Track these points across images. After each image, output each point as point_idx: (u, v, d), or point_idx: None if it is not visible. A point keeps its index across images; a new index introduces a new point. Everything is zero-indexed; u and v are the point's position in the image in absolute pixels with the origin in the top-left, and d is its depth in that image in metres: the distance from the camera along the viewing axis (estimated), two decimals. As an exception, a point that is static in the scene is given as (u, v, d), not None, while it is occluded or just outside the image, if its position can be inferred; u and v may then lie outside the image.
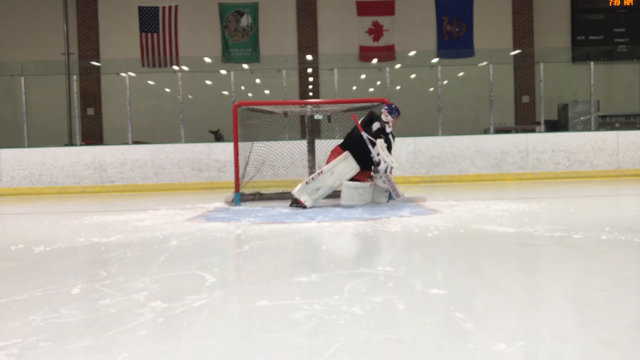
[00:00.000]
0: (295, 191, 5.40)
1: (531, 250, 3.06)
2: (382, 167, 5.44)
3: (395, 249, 3.31)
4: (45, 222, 5.29)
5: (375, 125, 5.64)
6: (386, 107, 5.75)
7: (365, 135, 5.49)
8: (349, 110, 6.73)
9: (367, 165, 5.62)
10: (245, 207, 5.74)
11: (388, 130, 5.70)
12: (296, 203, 5.45)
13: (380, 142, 5.47)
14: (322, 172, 5.45)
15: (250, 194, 6.23)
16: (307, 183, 5.41)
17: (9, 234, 4.67)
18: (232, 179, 6.70)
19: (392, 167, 5.47)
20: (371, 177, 5.72)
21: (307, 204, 5.36)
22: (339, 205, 5.46)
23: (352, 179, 5.59)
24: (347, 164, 5.47)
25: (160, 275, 2.50)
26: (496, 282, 2.29)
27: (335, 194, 5.79)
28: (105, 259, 3.00)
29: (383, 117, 5.68)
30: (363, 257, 2.92)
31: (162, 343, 1.61)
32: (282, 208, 5.42)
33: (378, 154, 5.43)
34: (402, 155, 9.35)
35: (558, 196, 6.43)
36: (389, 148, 5.74)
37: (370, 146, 5.45)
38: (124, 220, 4.74)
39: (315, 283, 2.27)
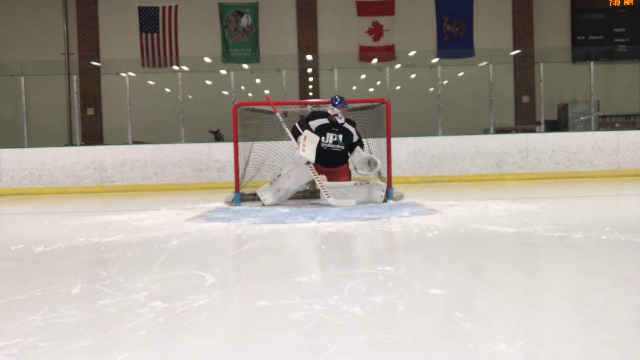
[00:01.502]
0: (259, 189, 5.71)
1: (531, 250, 3.06)
2: (296, 155, 5.48)
3: (395, 249, 3.31)
4: (45, 222, 5.29)
5: (317, 123, 5.82)
6: (330, 101, 5.85)
7: (290, 130, 5.74)
8: (349, 110, 6.73)
9: (334, 164, 5.71)
10: (245, 207, 5.74)
11: (340, 121, 5.82)
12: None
13: (307, 134, 5.58)
14: (280, 174, 5.63)
15: (250, 194, 6.23)
16: (270, 183, 5.66)
17: (9, 234, 4.67)
18: (232, 179, 6.70)
19: (308, 162, 5.44)
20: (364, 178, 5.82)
21: (266, 202, 5.63)
22: (339, 205, 5.47)
23: (333, 180, 5.81)
24: (302, 169, 5.53)
25: (160, 275, 2.50)
26: (496, 282, 2.29)
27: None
28: (105, 259, 3.00)
29: (330, 112, 5.81)
30: (363, 257, 2.92)
31: (162, 343, 1.61)
32: (282, 208, 5.42)
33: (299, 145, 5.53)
34: (402, 155, 9.35)
35: (558, 196, 6.43)
36: (349, 138, 5.86)
37: (293, 139, 5.66)
38: (124, 220, 4.74)
39: (315, 283, 2.27)
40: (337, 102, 5.78)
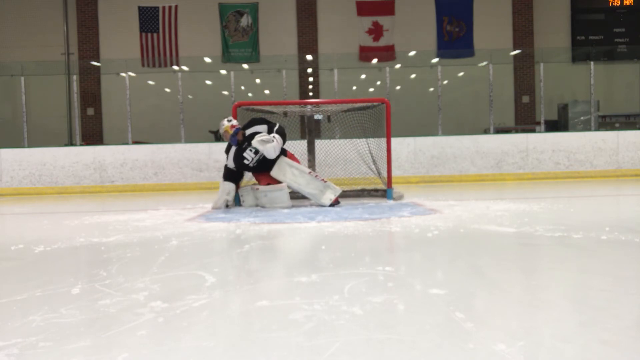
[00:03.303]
0: (241, 189, 5.75)
1: (531, 250, 3.06)
2: (211, 208, 5.63)
3: (395, 249, 3.31)
4: (45, 222, 5.29)
5: (231, 156, 5.72)
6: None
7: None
8: (349, 110, 6.73)
9: (270, 165, 5.65)
10: (245, 207, 5.74)
11: (246, 127, 5.73)
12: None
13: (220, 185, 5.68)
14: (258, 189, 5.57)
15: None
16: (252, 188, 5.66)
17: (9, 234, 4.68)
18: (232, 179, 6.69)
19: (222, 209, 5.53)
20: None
21: (245, 204, 5.68)
22: (338, 206, 5.47)
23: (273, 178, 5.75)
24: (282, 194, 5.48)
25: (160, 275, 2.50)
26: (496, 282, 2.29)
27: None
28: (105, 259, 3.00)
29: (228, 136, 5.66)
30: (363, 257, 2.92)
31: (162, 343, 1.60)
32: (282, 209, 5.42)
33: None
34: (402, 155, 9.35)
35: (558, 196, 6.43)
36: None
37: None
38: (124, 220, 4.74)
39: (315, 283, 2.27)
40: (224, 122, 5.71)
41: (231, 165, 5.67)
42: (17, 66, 11.21)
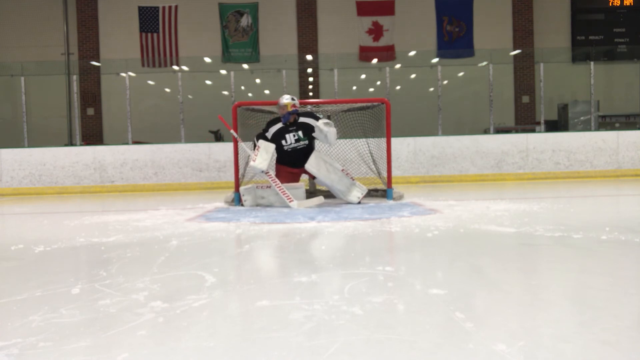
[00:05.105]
0: (242, 188, 5.71)
1: (531, 250, 3.06)
2: (249, 166, 5.57)
3: (395, 249, 3.31)
4: (45, 222, 5.29)
5: (272, 131, 5.84)
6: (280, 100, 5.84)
7: (250, 144, 5.79)
8: (349, 110, 6.73)
9: (305, 161, 5.71)
10: (245, 207, 5.74)
11: (294, 110, 5.76)
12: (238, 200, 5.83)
13: (260, 144, 5.61)
14: (270, 187, 5.56)
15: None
16: (257, 187, 5.65)
17: (9, 234, 4.67)
18: (232, 179, 6.71)
19: (262, 170, 5.46)
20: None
21: (246, 204, 5.65)
22: (338, 205, 5.47)
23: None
24: (297, 194, 5.48)
25: (160, 275, 2.50)
26: (496, 282, 2.29)
27: (330, 194, 5.95)
28: (105, 259, 3.00)
29: (284, 111, 5.76)
30: (363, 257, 2.92)
31: (162, 343, 1.61)
32: (282, 208, 5.42)
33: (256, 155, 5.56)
34: (402, 155, 9.35)
35: (558, 196, 6.43)
36: (309, 129, 5.77)
37: (252, 153, 5.62)
38: (124, 220, 4.74)
39: (315, 283, 2.27)
40: (283, 99, 5.80)
41: (269, 137, 5.84)
42: (17, 66, 11.22)
